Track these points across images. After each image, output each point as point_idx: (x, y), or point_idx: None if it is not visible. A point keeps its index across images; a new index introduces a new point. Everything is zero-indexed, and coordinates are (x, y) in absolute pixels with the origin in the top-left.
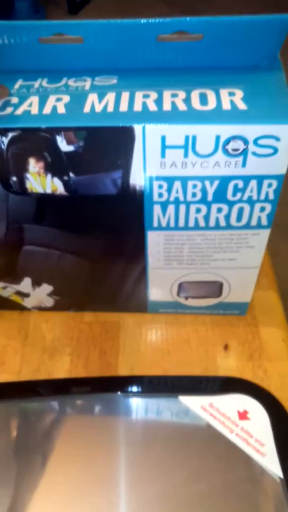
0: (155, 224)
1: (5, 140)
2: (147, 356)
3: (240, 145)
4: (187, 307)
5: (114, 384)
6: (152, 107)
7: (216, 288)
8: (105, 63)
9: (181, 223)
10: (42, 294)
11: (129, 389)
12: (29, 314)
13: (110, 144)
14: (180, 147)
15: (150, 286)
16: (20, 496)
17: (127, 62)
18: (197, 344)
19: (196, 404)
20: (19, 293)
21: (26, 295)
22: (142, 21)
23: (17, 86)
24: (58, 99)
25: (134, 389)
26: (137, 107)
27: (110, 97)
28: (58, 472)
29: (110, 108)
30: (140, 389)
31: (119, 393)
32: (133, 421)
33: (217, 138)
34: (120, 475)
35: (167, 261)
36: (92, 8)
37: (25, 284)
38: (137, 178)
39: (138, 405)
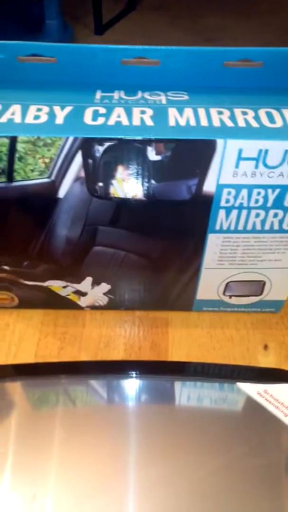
0: (217, 227)
1: (101, 149)
2: (195, 350)
3: None
4: (229, 305)
5: (177, 368)
6: (229, 123)
7: (259, 287)
8: (176, 82)
9: (240, 226)
10: (99, 293)
11: (193, 374)
12: None
13: (193, 154)
14: (253, 159)
15: (200, 285)
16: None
17: (196, 82)
18: (239, 343)
19: (253, 390)
20: (77, 292)
21: (84, 294)
22: (211, 48)
23: (98, 96)
24: (142, 112)
25: (198, 374)
26: (216, 122)
27: (189, 112)
28: (107, 453)
29: (193, 123)
30: (202, 375)
31: (181, 377)
32: (195, 404)
33: (285, 152)
34: (185, 448)
35: (220, 261)
36: (117, 30)
37: (86, 283)
38: (210, 185)
39: (199, 389)
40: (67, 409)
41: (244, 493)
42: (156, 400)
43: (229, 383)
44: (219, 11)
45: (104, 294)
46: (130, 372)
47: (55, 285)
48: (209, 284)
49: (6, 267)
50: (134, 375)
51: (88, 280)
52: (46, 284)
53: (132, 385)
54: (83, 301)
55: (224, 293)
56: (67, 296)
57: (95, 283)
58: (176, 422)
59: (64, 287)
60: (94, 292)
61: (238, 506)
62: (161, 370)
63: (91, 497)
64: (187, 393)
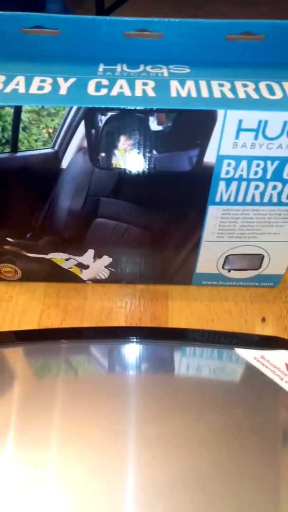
0: (217, 199)
1: (104, 118)
2: (194, 322)
3: None
4: (228, 279)
5: (177, 334)
6: (230, 94)
7: (257, 260)
8: (178, 55)
9: (240, 198)
10: (100, 266)
11: (192, 339)
12: None
13: (193, 125)
14: (252, 130)
15: (200, 259)
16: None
17: (198, 56)
18: (238, 316)
19: (250, 356)
20: (79, 264)
21: (86, 267)
22: (214, 21)
23: (100, 69)
24: (145, 84)
25: (197, 340)
26: (216, 94)
27: (190, 84)
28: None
29: (194, 94)
30: (201, 340)
31: (181, 342)
32: (194, 368)
33: (285, 123)
34: (184, 409)
35: (220, 234)
36: (119, 14)
37: (88, 256)
38: (210, 157)
39: (198, 354)
40: (68, 374)
41: (240, 451)
42: (155, 364)
43: (227, 349)
44: None
45: (106, 267)
46: (130, 338)
47: (57, 257)
48: (209, 257)
49: (10, 239)
50: (134, 340)
51: (90, 252)
52: (49, 256)
53: (132, 350)
54: (85, 274)
55: (223, 267)
56: (70, 269)
57: (97, 255)
58: (175, 385)
59: (67, 259)
60: (96, 265)
61: (234, 463)
62: (161, 336)
63: (92, 462)
64: (186, 358)
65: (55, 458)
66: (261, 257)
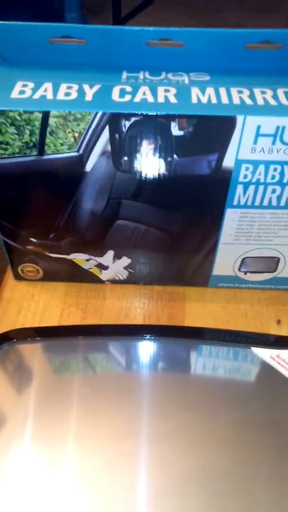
0: (235, 202)
1: (127, 123)
2: (210, 323)
3: None
4: (244, 281)
5: (195, 333)
6: (248, 101)
7: (273, 263)
8: (199, 64)
9: (257, 202)
10: (119, 267)
11: (209, 338)
12: None
13: (213, 130)
14: (270, 135)
15: (217, 261)
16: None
17: (218, 64)
18: (253, 318)
19: (266, 354)
20: (99, 265)
21: (105, 267)
22: (233, 31)
23: (124, 76)
24: (166, 90)
25: (214, 338)
26: (236, 100)
27: (210, 91)
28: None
29: (214, 100)
30: (219, 339)
31: (199, 341)
32: (211, 365)
33: None
34: (201, 404)
35: (237, 237)
36: (135, 24)
37: (108, 257)
38: (229, 161)
39: (214, 351)
40: (85, 369)
41: (256, 449)
42: (173, 361)
43: (244, 348)
44: (242, 5)
45: (125, 268)
46: (148, 335)
47: (78, 258)
48: (226, 259)
49: (33, 239)
50: (152, 338)
51: (110, 253)
52: (70, 257)
53: (150, 347)
54: (104, 275)
55: (239, 269)
56: (90, 270)
57: (116, 256)
58: (191, 383)
59: (87, 260)
60: (115, 265)
61: (249, 460)
62: (179, 334)
63: (108, 455)
64: (203, 355)
65: (72, 450)
66: (277, 260)
